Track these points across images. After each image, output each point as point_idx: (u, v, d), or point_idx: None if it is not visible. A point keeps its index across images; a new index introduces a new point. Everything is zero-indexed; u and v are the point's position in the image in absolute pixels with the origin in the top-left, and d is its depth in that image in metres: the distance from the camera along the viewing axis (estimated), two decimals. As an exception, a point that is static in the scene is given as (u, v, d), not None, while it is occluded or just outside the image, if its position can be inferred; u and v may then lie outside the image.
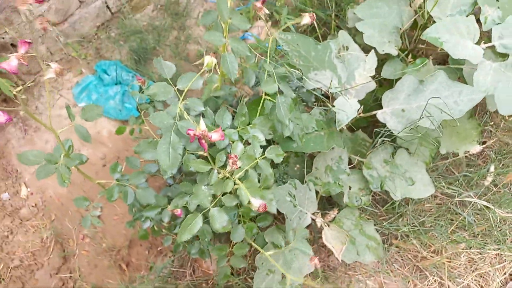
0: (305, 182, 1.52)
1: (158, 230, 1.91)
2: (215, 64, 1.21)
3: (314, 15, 1.21)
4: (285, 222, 1.41)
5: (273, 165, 1.61)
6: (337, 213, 1.60)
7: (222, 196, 1.12)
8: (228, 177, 1.12)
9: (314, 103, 1.69)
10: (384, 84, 1.95)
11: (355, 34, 1.84)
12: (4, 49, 2.26)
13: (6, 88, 2.28)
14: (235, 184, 1.09)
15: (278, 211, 1.86)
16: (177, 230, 1.73)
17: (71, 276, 2.16)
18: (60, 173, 1.27)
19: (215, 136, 1.01)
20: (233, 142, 1.19)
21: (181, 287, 1.84)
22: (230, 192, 1.14)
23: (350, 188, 1.62)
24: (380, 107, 1.53)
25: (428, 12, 1.63)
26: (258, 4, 1.27)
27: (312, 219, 1.51)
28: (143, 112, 1.93)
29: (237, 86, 2.35)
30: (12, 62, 0.90)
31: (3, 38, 2.19)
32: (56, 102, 2.59)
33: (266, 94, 1.29)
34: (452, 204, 1.90)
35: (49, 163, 1.28)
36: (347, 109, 1.39)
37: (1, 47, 2.22)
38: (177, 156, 1.05)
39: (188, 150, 1.21)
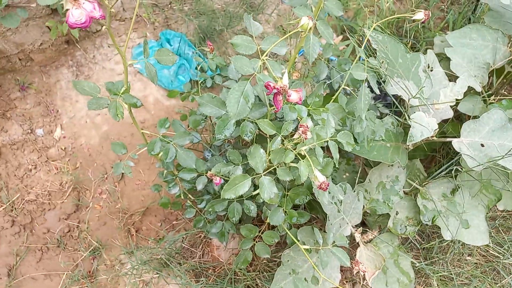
0: (355, 191, 1.40)
1: (180, 203, 1.82)
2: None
3: (429, 13, 1.11)
4: (326, 223, 1.29)
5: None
6: (377, 235, 1.46)
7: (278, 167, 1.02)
8: (290, 149, 1.02)
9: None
10: (455, 121, 1.83)
11: (440, 61, 1.74)
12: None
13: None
14: (295, 158, 1.00)
15: (313, 213, 1.73)
16: (202, 205, 1.63)
17: (78, 225, 2.08)
18: (115, 105, 1.21)
19: (294, 96, 0.92)
20: (301, 118, 1.10)
21: (185, 266, 1.72)
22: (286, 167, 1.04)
23: (397, 213, 1.49)
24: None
25: (528, 54, 1.53)
26: None
27: (351, 232, 1.39)
28: (200, 82, 1.87)
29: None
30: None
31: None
32: (113, 57, 2.58)
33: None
34: (497, 265, 1.72)
35: (109, 92, 1.22)
36: (424, 124, 1.28)
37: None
38: (245, 108, 0.96)
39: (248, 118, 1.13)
